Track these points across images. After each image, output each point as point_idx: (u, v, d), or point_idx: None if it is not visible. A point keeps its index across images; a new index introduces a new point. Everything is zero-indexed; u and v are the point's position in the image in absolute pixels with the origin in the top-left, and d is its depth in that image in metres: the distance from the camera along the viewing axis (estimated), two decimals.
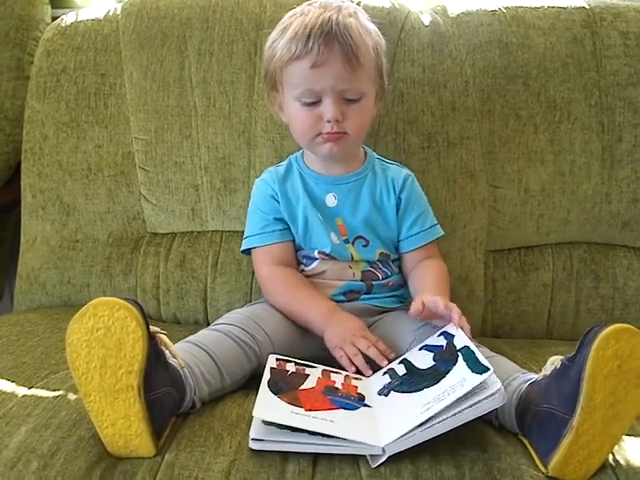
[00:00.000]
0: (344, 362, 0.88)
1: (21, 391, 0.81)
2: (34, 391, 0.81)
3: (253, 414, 0.71)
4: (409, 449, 0.70)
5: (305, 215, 1.01)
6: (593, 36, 1.23)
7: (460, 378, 0.72)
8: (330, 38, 0.91)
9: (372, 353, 0.87)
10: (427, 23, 1.25)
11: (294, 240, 1.03)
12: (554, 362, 0.73)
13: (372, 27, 0.99)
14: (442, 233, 1.07)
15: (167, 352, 0.76)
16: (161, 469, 0.69)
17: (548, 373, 0.74)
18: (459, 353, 0.78)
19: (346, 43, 0.91)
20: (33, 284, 1.24)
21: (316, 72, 0.92)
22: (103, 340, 0.68)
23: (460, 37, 1.23)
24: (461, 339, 0.81)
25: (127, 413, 0.69)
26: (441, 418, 0.69)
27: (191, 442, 0.73)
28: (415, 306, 0.87)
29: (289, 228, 1.03)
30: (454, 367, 0.76)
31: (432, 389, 0.74)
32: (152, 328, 0.72)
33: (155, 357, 0.72)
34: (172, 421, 0.76)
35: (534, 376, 0.78)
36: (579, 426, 0.67)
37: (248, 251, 1.06)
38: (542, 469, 0.71)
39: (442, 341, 0.83)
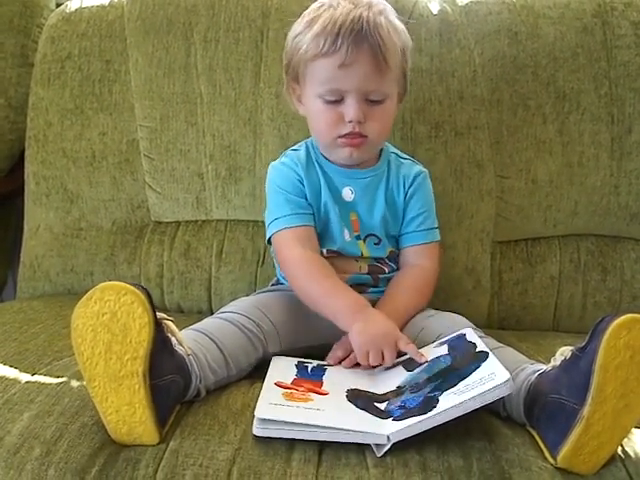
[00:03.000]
0: (363, 363, 0.85)
1: (24, 378, 0.81)
2: (37, 378, 0.81)
3: (255, 414, 0.71)
4: (416, 439, 0.69)
5: (326, 206, 0.98)
6: (604, 26, 1.21)
7: (484, 374, 0.72)
8: (360, 38, 0.88)
9: (389, 362, 0.83)
10: (435, 12, 1.24)
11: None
12: (564, 352, 0.72)
13: (400, 26, 0.96)
14: (438, 238, 1.03)
15: (173, 339, 0.76)
16: (165, 457, 0.69)
17: (558, 364, 0.73)
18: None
19: (376, 44, 0.88)
20: (36, 272, 1.24)
21: (343, 72, 0.90)
22: (109, 325, 0.67)
23: (469, 26, 1.22)
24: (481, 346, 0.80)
25: (131, 400, 0.68)
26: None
27: (195, 430, 0.72)
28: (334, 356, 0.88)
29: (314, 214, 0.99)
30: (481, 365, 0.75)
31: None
32: (159, 314, 0.71)
33: (161, 344, 0.71)
34: (177, 409, 0.75)
35: (543, 367, 0.77)
36: (589, 417, 0.66)
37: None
38: (550, 460, 0.70)
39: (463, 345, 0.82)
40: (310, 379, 0.82)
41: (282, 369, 0.84)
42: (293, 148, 1.04)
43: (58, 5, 1.35)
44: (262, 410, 0.71)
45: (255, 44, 1.20)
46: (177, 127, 1.21)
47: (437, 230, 1.03)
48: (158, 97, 1.21)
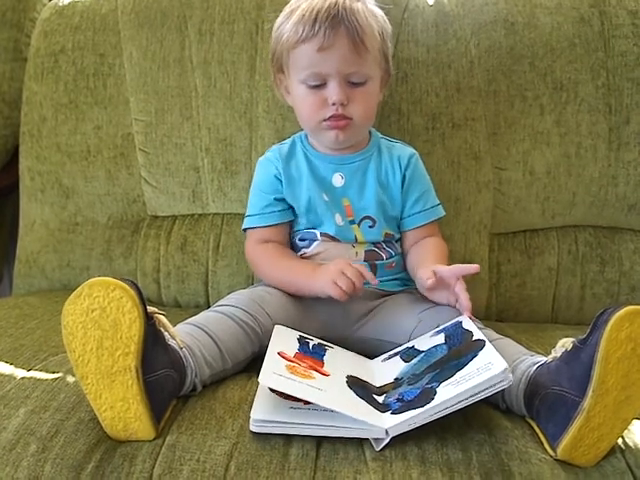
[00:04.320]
0: (339, 294, 0.88)
1: (20, 373, 0.80)
2: (33, 373, 0.80)
3: (259, 380, 0.70)
4: (414, 432, 0.69)
5: (309, 196, 1.00)
6: (601, 15, 1.20)
7: (481, 364, 0.71)
8: (337, 21, 0.91)
9: (358, 281, 0.88)
10: (431, 2, 1.23)
11: (292, 221, 1.03)
12: (565, 344, 0.72)
13: (378, 12, 0.99)
14: (444, 214, 1.05)
15: (166, 334, 0.75)
16: (162, 452, 0.68)
17: (558, 355, 0.72)
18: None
19: (352, 27, 0.91)
20: (32, 268, 1.23)
21: (322, 55, 0.92)
22: (99, 321, 0.66)
23: (465, 17, 1.21)
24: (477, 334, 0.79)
25: (125, 395, 0.67)
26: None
27: (192, 425, 0.71)
28: (427, 275, 0.88)
29: (289, 209, 1.02)
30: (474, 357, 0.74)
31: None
32: (150, 308, 0.71)
33: (153, 338, 0.70)
34: (173, 404, 0.74)
35: (542, 358, 0.76)
36: (590, 409, 0.66)
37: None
38: (550, 452, 0.69)
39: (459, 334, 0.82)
40: (312, 356, 0.81)
41: (285, 340, 0.84)
42: (281, 142, 1.07)
43: None
44: (266, 377, 0.70)
45: (250, 36, 1.19)
46: (172, 121, 1.20)
47: (440, 206, 1.05)
48: (153, 91, 1.20)
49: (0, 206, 1.45)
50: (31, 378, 0.79)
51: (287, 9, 0.98)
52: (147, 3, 1.22)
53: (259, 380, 0.70)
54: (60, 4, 1.27)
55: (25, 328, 0.97)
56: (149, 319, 0.69)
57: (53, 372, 0.80)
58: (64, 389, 0.76)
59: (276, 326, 0.87)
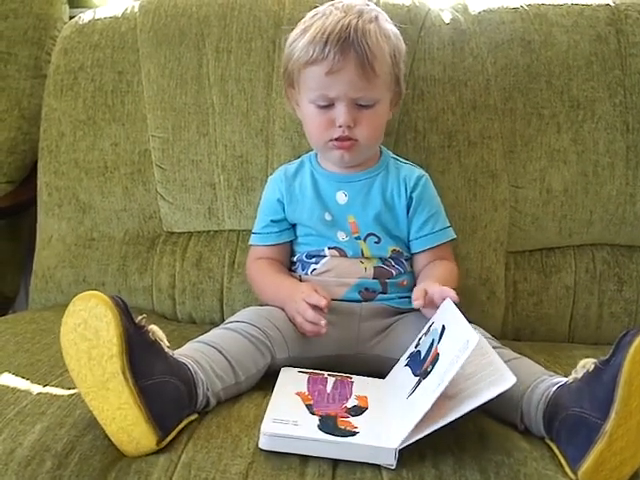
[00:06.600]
0: (300, 328, 0.91)
1: (36, 389, 0.80)
2: (49, 389, 0.80)
3: (261, 429, 0.70)
4: (431, 453, 0.69)
5: (311, 215, 1.01)
6: (618, 34, 1.20)
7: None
8: (347, 45, 0.91)
9: (310, 316, 0.89)
10: (447, 21, 1.23)
11: (292, 241, 1.05)
12: (586, 365, 0.71)
13: (393, 31, 0.99)
14: (454, 236, 1.04)
15: (162, 344, 0.75)
16: (177, 470, 0.68)
17: (579, 376, 0.71)
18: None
19: (362, 51, 0.91)
20: (49, 282, 1.24)
21: (331, 78, 0.93)
22: (84, 333, 0.68)
23: (481, 35, 1.21)
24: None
25: (119, 402, 0.68)
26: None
27: (208, 443, 0.71)
28: (416, 294, 0.87)
29: (288, 229, 1.04)
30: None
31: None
32: (140, 318, 0.72)
33: (143, 345, 0.71)
34: (190, 418, 0.74)
35: (562, 379, 0.75)
36: (613, 432, 0.64)
37: None
38: (571, 475, 0.68)
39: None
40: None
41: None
42: (291, 162, 1.09)
43: (71, 18, 1.36)
44: (268, 424, 0.71)
45: (267, 54, 1.20)
46: (189, 137, 1.21)
47: (450, 228, 1.04)
48: (170, 108, 1.21)
49: (18, 221, 1.46)
50: (47, 394, 0.79)
51: (301, 25, 0.98)
52: (165, 21, 1.23)
53: (261, 430, 0.70)
54: (80, 22, 1.29)
55: (41, 343, 0.97)
56: (139, 328, 0.71)
57: (69, 388, 0.79)
58: (80, 405, 0.75)
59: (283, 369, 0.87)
